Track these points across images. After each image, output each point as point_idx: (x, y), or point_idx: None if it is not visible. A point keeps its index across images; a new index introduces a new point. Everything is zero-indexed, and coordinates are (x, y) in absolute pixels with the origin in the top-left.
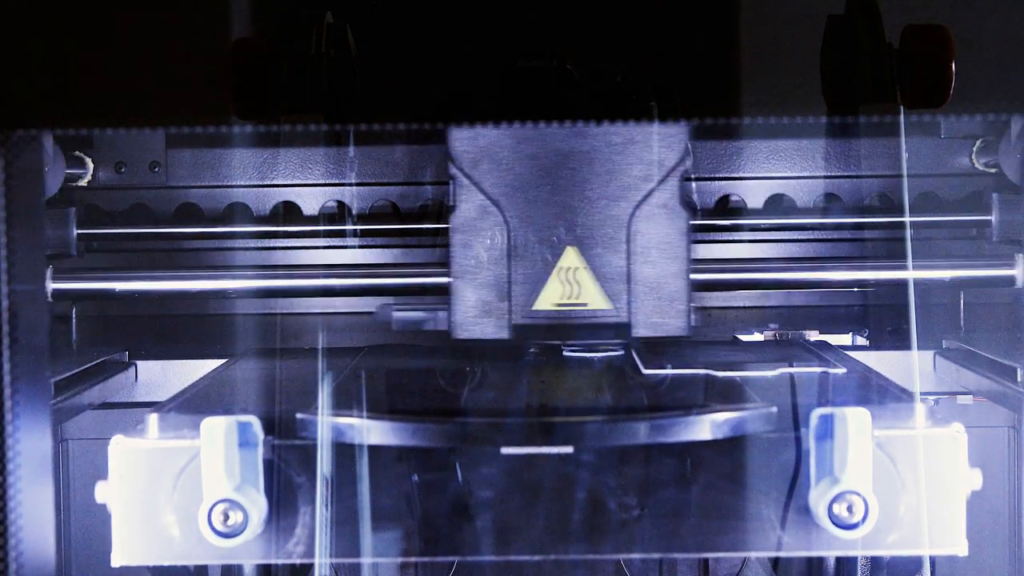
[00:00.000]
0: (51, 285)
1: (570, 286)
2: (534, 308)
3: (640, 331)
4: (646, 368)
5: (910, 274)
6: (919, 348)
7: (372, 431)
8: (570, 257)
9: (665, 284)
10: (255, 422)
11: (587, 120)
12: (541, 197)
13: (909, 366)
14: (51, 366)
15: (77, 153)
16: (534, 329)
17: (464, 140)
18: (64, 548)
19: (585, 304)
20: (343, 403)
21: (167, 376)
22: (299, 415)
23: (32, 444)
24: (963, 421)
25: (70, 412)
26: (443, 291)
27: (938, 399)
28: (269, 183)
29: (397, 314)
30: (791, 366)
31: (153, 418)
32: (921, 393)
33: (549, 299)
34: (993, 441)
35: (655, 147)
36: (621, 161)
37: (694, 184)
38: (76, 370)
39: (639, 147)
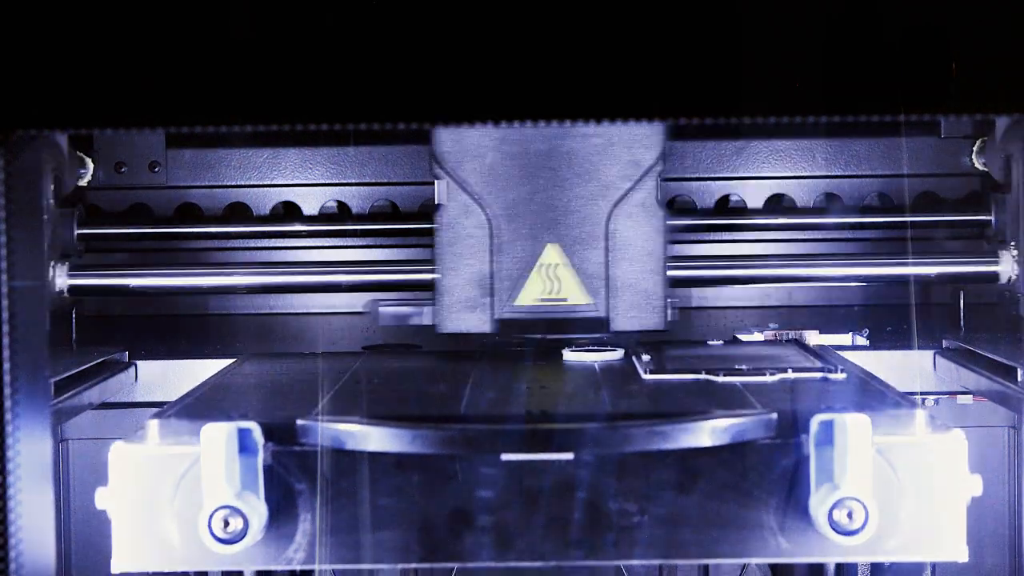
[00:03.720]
0: (67, 281)
1: (551, 282)
2: (516, 303)
3: (618, 326)
4: (646, 373)
5: (886, 270)
6: (919, 348)
7: (372, 437)
8: (551, 254)
9: (642, 280)
10: (255, 428)
11: (567, 120)
12: (523, 196)
13: (909, 366)
14: (51, 366)
15: (77, 153)
16: (516, 323)
17: (448, 140)
18: (64, 549)
19: (565, 299)
20: (343, 408)
21: (167, 376)
22: (299, 421)
23: (32, 444)
24: (963, 421)
25: (70, 412)
26: (429, 287)
27: (938, 399)
28: (269, 183)
29: (383, 310)
30: (791, 372)
31: (153, 424)
32: (921, 393)
33: (530, 294)
34: (993, 441)
35: (633, 147)
36: (600, 161)
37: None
38: (76, 370)
39: (617, 147)
